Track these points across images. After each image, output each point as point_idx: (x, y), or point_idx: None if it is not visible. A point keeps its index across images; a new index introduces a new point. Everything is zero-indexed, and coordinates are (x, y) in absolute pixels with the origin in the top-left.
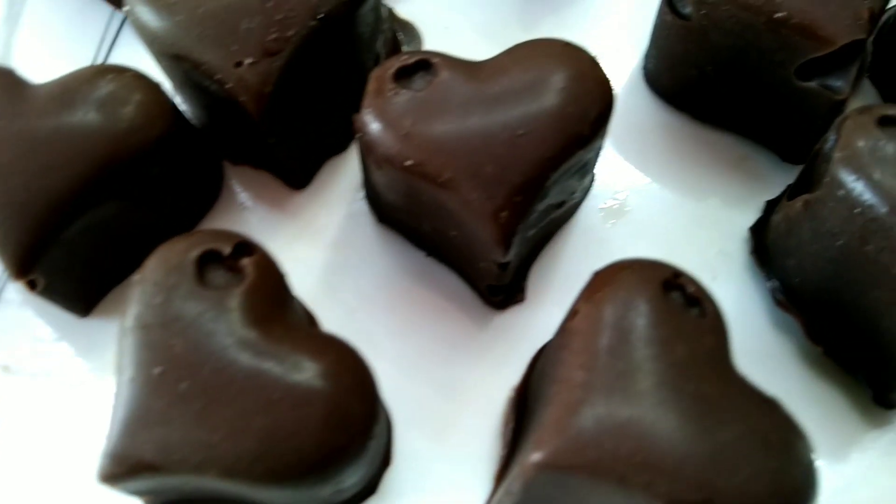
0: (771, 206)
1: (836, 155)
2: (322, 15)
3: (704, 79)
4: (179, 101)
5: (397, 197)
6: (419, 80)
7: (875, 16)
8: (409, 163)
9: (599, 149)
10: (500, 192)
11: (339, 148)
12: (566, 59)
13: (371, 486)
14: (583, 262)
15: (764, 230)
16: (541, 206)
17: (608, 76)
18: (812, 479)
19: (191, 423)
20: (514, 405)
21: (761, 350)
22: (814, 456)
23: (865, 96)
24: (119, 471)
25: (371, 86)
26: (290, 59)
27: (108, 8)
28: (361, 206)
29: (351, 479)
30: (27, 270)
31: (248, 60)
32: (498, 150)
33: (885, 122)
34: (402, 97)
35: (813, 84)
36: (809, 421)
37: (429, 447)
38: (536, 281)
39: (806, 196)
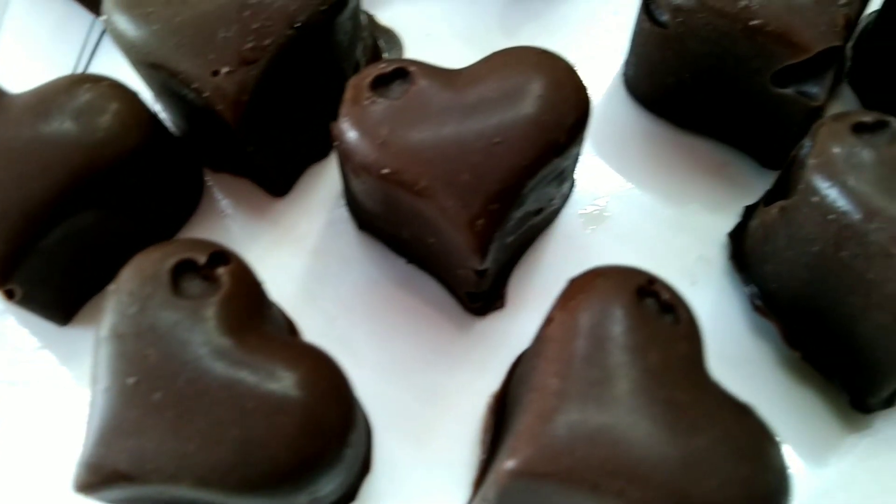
0: (749, 212)
1: (811, 161)
2: (299, 24)
3: (683, 86)
4: (159, 109)
5: (375, 204)
6: (396, 89)
7: (851, 22)
8: (385, 171)
9: (577, 156)
10: (476, 200)
11: (320, 155)
12: (542, 67)
13: (350, 493)
14: (563, 268)
15: (742, 236)
16: (518, 214)
17: (585, 83)
18: (785, 486)
19: (165, 433)
20: (494, 411)
21: (740, 355)
22: (787, 462)
23: (845, 102)
24: (94, 480)
25: (348, 94)
26: (268, 67)
27: (90, 15)
28: (342, 213)
29: (327, 487)
30: (5, 280)
31: (224, 69)
32: (474, 158)
33: (859, 129)
34: (378, 106)
35: (789, 91)
36: (787, 426)
37: (409, 454)
38: (516, 287)
39: (782, 202)
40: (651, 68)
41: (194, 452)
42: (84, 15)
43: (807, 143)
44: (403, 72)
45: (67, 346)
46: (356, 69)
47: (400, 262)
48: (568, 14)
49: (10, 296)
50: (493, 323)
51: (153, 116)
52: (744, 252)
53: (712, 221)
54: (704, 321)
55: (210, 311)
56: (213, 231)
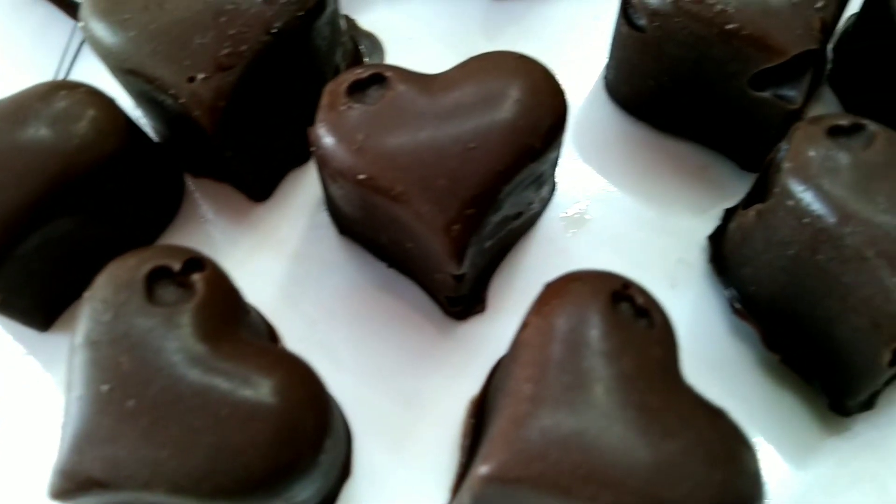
0: (729, 215)
1: (786, 165)
2: (276, 29)
3: (662, 89)
4: (140, 115)
5: (354, 210)
6: (373, 94)
7: (827, 26)
8: (361, 176)
9: (555, 160)
10: (451, 205)
11: (301, 160)
12: (519, 72)
13: (330, 498)
14: (544, 272)
15: (722, 239)
16: (495, 218)
17: (563, 88)
18: (758, 490)
19: (138, 440)
20: (473, 416)
21: (719, 358)
22: (761, 466)
23: (826, 104)
24: (69, 487)
25: (324, 100)
26: (244, 73)
27: (71, 21)
28: (323, 218)
29: (303, 493)
30: None
31: (200, 75)
32: (450, 163)
33: (835, 132)
34: (354, 111)
35: (767, 94)
36: (767, 428)
37: (389, 458)
38: (497, 291)
39: (758, 206)
40: (630, 72)
41: (168, 459)
42: (65, 20)
43: (783, 146)
44: (380, 77)
45: (48, 351)
46: (336, 74)
47: (381, 267)
48: (549, 18)
49: None
50: (474, 327)
51: (130, 123)
52: (723, 255)
53: (693, 224)
54: (684, 324)
55: (184, 317)
56: (194, 236)
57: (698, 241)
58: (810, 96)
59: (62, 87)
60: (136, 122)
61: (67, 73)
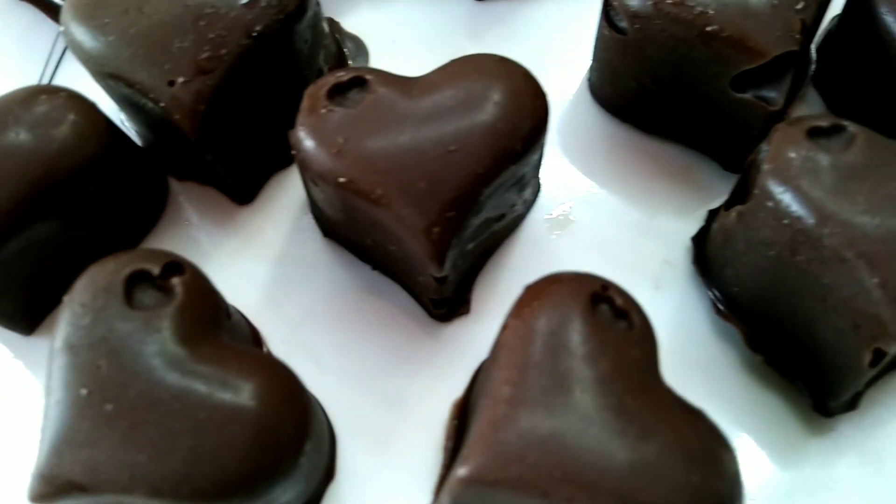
0: (713, 216)
1: (765, 166)
2: (256, 33)
3: (645, 91)
4: (124, 118)
5: (336, 212)
6: (353, 97)
7: (808, 27)
8: (342, 180)
9: (536, 162)
10: (432, 207)
11: (285, 163)
12: (499, 75)
13: (313, 501)
14: (528, 274)
15: (705, 240)
16: (476, 221)
17: (543, 90)
18: (736, 491)
19: (117, 444)
20: (456, 418)
21: (703, 359)
22: (739, 467)
23: (811, 105)
24: (48, 491)
25: (305, 103)
26: (225, 76)
27: (56, 25)
28: (307, 221)
29: (284, 496)
30: None
31: (181, 79)
32: (430, 166)
33: (814, 134)
34: (335, 114)
35: (748, 95)
36: (751, 429)
37: (373, 460)
38: (482, 293)
39: (740, 207)
40: (613, 74)
41: (146, 463)
42: (50, 25)
43: (764, 147)
44: (360, 80)
45: (31, 355)
46: (320, 76)
47: (365, 269)
48: (534, 20)
49: None
50: (458, 329)
51: (112, 126)
52: (706, 256)
53: (677, 225)
54: (668, 325)
55: (163, 321)
56: (178, 239)
57: (683, 243)
58: (794, 97)
59: (42, 92)
60: (117, 126)
61: (52, 77)
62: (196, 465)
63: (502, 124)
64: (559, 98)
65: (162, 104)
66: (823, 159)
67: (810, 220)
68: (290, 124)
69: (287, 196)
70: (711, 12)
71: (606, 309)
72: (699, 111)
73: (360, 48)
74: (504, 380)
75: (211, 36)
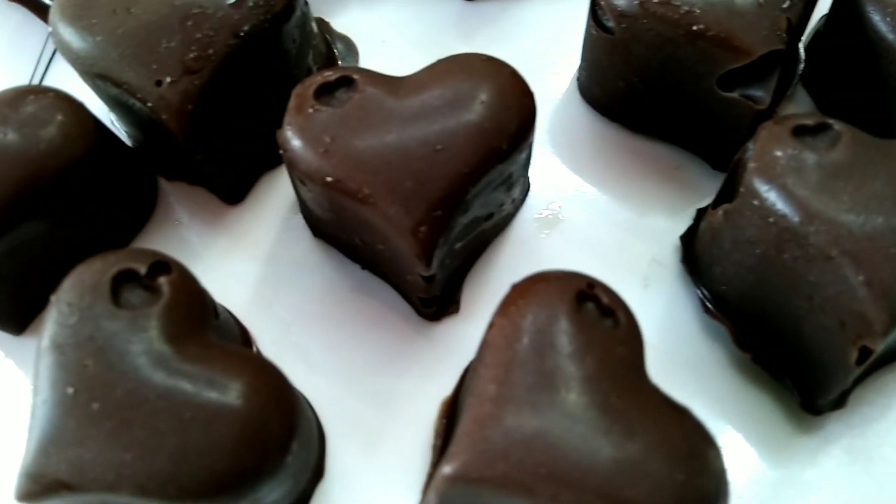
0: (701, 215)
1: (751, 165)
2: (243, 33)
3: (633, 90)
4: (114, 118)
5: (324, 212)
6: (340, 97)
7: (794, 26)
8: (329, 179)
9: (524, 161)
10: (418, 206)
11: (275, 162)
12: (485, 74)
13: (302, 500)
14: (517, 273)
15: (693, 239)
16: (464, 220)
17: (530, 90)
18: (721, 489)
19: (103, 443)
20: (445, 416)
21: (692, 357)
22: (725, 465)
23: (800, 104)
24: (35, 490)
25: (292, 103)
26: (212, 76)
27: (46, 26)
28: (297, 221)
29: (272, 494)
30: None
31: (168, 79)
32: (417, 165)
33: (800, 132)
34: (322, 114)
35: (735, 94)
36: (739, 427)
37: (362, 459)
38: (471, 292)
39: (726, 205)
40: (601, 74)
41: (133, 461)
42: (40, 26)
43: (750, 146)
44: (348, 80)
45: (21, 355)
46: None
47: (355, 269)
48: (523, 20)
49: None
50: (448, 328)
51: (100, 126)
52: (694, 255)
53: (666, 224)
54: (657, 323)
55: (150, 321)
56: (168, 239)
57: (671, 241)
58: (782, 96)
59: (30, 92)
60: (106, 126)
61: (42, 77)
62: (182, 463)
63: (489, 123)
64: (548, 98)
65: (149, 104)
66: (809, 158)
67: (795, 219)
68: (280, 124)
69: (277, 196)
70: (697, 11)
71: (592, 307)
72: (687, 110)
73: (350, 48)
74: (490, 378)
75: (198, 36)
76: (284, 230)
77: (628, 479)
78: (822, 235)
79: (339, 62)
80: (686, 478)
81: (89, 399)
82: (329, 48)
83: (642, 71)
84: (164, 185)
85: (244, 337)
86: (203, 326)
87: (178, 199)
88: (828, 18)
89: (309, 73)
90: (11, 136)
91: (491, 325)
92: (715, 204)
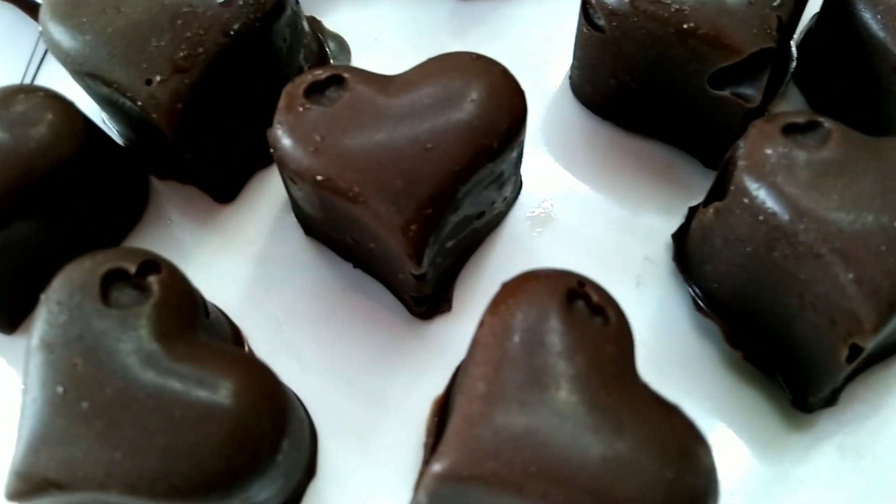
0: (693, 213)
1: (741, 163)
2: (233, 32)
3: (624, 89)
4: (105, 117)
5: (315, 210)
6: (330, 95)
7: (784, 24)
8: (319, 178)
9: (515, 160)
10: (409, 205)
11: (267, 161)
12: (476, 73)
13: (294, 499)
14: (510, 271)
15: (685, 237)
16: (455, 218)
17: (520, 88)
18: (711, 486)
19: (93, 442)
20: (436, 415)
21: (684, 355)
22: (714, 462)
23: (792, 102)
24: (25, 488)
25: (282, 101)
26: (202, 75)
27: (38, 26)
28: (289, 220)
29: (262, 493)
30: None
31: (157, 78)
32: (407, 163)
33: (790, 130)
34: (312, 112)
35: (726, 93)
36: (730, 425)
37: (354, 458)
38: (463, 291)
39: (717, 203)
40: (593, 72)
41: (122, 460)
42: (32, 25)
43: (741, 144)
44: (338, 78)
45: (14, 355)
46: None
47: (347, 268)
48: (516, 19)
49: None
50: (440, 327)
51: (90, 126)
52: (686, 253)
53: (658, 223)
54: (649, 321)
55: (140, 320)
56: (160, 238)
57: (663, 240)
58: (774, 94)
59: (20, 91)
60: (97, 125)
61: (34, 77)
62: (172, 462)
63: (479, 122)
64: (541, 97)
65: (139, 103)
66: (799, 156)
67: (785, 217)
68: (271, 122)
69: (268, 194)
70: (688, 10)
71: (583, 305)
72: (679, 109)
73: (342, 47)
74: (480, 376)
75: (188, 35)
76: (276, 229)
77: (618, 476)
78: (812, 233)
79: (332, 61)
80: (675, 475)
81: (79, 398)
82: (321, 47)
83: (634, 69)
84: (156, 184)
85: (236, 336)
86: (193, 325)
87: (169, 199)
88: (819, 17)
89: (300, 71)
90: (1, 136)
91: (481, 324)
92: (706, 202)
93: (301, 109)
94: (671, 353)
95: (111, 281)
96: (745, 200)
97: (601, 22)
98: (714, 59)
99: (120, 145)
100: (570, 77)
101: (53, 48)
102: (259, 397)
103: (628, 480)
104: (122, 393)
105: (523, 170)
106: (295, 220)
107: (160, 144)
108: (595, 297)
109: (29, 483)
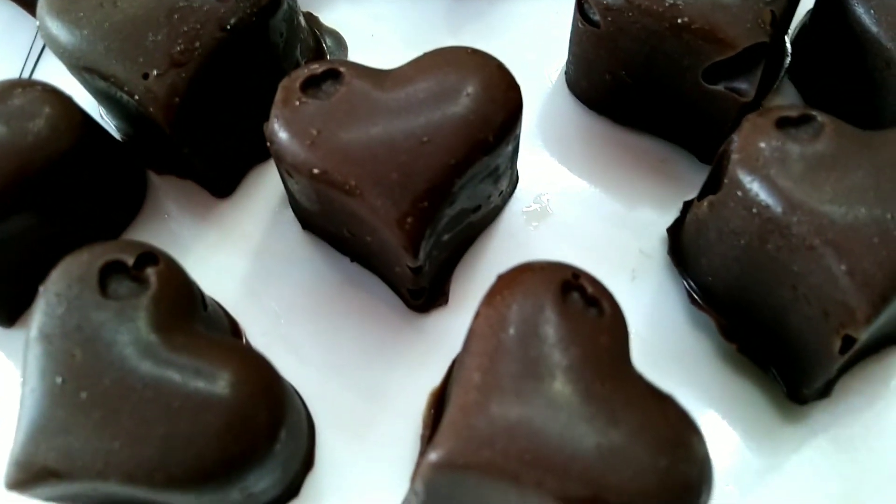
0: (687, 207)
1: (734, 156)
2: (229, 26)
3: (619, 84)
4: (103, 112)
5: (312, 204)
6: (327, 90)
7: (778, 19)
8: (316, 171)
9: (510, 154)
10: (405, 198)
11: (264, 156)
12: (471, 67)
13: (292, 489)
14: (506, 265)
15: (680, 230)
16: (451, 212)
17: (516, 82)
18: (704, 475)
19: (92, 432)
20: (433, 407)
21: (679, 348)
22: (708, 452)
23: (786, 97)
24: (24, 478)
25: (279, 95)
26: (199, 69)
27: (36, 21)
28: (286, 214)
29: (260, 483)
30: None
31: (154, 72)
32: (402, 157)
33: (783, 124)
34: (309, 106)
35: (719, 87)
36: (725, 417)
37: (351, 450)
38: (460, 284)
39: (711, 197)
40: (588, 67)
41: (121, 450)
42: (30, 20)
43: (734, 137)
44: (334, 72)
45: (13, 348)
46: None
47: (344, 261)
48: (511, 15)
49: None
50: (437, 320)
51: (88, 120)
52: (681, 246)
53: (653, 217)
54: (644, 315)
55: (137, 311)
56: (157, 233)
57: (659, 234)
58: (769, 89)
59: (18, 85)
60: (94, 119)
61: (32, 71)
62: (170, 452)
63: (475, 116)
64: (537, 92)
65: (136, 97)
66: (792, 149)
67: (778, 209)
68: (268, 117)
69: (266, 189)
70: (682, 4)
71: (577, 297)
72: (674, 103)
73: (339, 42)
74: (475, 367)
75: (184, 29)
76: (273, 223)
77: (612, 465)
78: (805, 225)
79: (328, 56)
80: (669, 464)
81: (77, 388)
82: (318, 42)
83: (629, 64)
84: (154, 178)
85: (234, 329)
86: (191, 317)
87: (167, 193)
88: (813, 12)
89: (297, 66)
90: (0, 129)
91: (477, 315)
92: (700, 196)
93: (297, 103)
94: (666, 345)
95: (109, 273)
96: (739, 193)
97: (596, 17)
98: (708, 53)
99: (117, 140)
100: (566, 72)
101: (51, 43)
102: (257, 388)
103: (622, 469)
104: (121, 383)
105: (519, 165)
106: (292, 214)
107: (157, 139)
108: (590, 289)
109: (28, 472)
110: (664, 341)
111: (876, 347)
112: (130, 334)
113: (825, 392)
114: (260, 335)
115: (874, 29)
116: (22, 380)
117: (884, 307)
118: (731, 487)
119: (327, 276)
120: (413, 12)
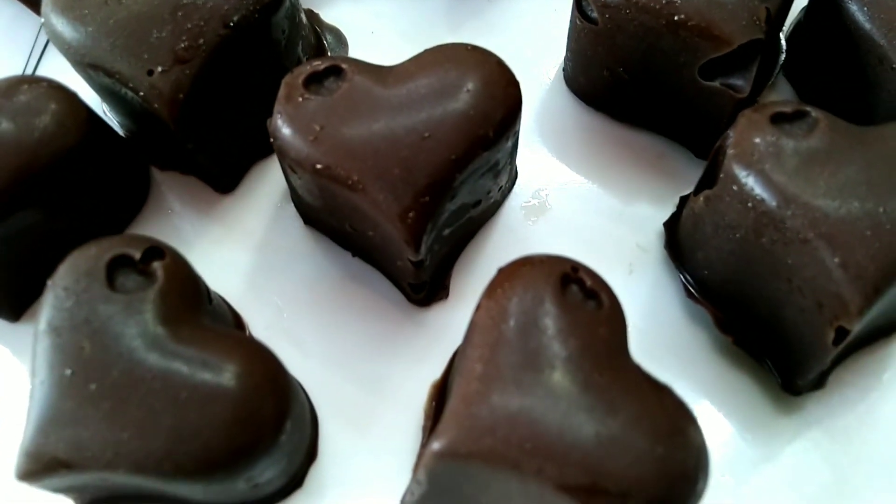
0: (684, 202)
1: (730, 151)
2: (233, 23)
3: (617, 80)
4: (106, 108)
5: (315, 199)
6: (329, 86)
7: (773, 16)
8: (319, 166)
9: (510, 149)
10: (406, 193)
11: (266, 151)
12: (472, 63)
13: (296, 480)
14: (505, 259)
15: (677, 225)
16: (452, 206)
17: (515, 78)
18: (700, 464)
19: (100, 423)
20: (434, 399)
21: (675, 341)
22: (704, 441)
23: (781, 94)
24: (35, 468)
25: (282, 91)
26: (203, 66)
27: (39, 18)
28: (288, 209)
29: (265, 474)
30: None
31: (159, 69)
32: (404, 152)
33: (778, 119)
34: (311, 102)
35: (715, 83)
36: (721, 408)
37: (354, 441)
38: (460, 278)
39: (707, 192)
40: (586, 64)
41: (129, 440)
42: (33, 18)
43: (730, 133)
44: (336, 69)
45: (18, 341)
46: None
47: (346, 256)
48: (511, 12)
49: None
50: (437, 313)
51: (93, 116)
52: (677, 241)
53: (650, 211)
54: (641, 308)
55: (145, 304)
56: (161, 228)
57: (655, 228)
58: (764, 86)
59: (24, 82)
60: (99, 115)
61: (35, 68)
62: (178, 442)
63: (475, 112)
64: (535, 88)
65: (141, 93)
66: (787, 144)
67: (773, 203)
68: (271, 113)
69: (268, 184)
70: (678, 1)
71: (576, 290)
72: (670, 100)
73: (340, 39)
74: (477, 358)
75: (188, 26)
76: (276, 218)
77: (610, 453)
78: (799, 219)
79: (329, 53)
80: (666, 452)
81: (86, 380)
82: (319, 39)
83: (626, 61)
84: (157, 174)
85: (238, 323)
86: (197, 310)
87: (170, 189)
88: (807, 9)
89: (299, 63)
90: (5, 125)
91: (478, 307)
92: (697, 190)
93: (300, 99)
94: (663, 338)
95: (116, 267)
96: (735, 188)
97: (594, 14)
98: (704, 49)
99: (121, 136)
100: (564, 69)
101: (55, 39)
102: (262, 379)
103: (620, 457)
104: (129, 375)
105: (518, 161)
106: (294, 209)
107: (161, 135)
108: (588, 282)
109: (39, 463)
110: (661, 334)
111: (869, 339)
112: (138, 327)
113: (819, 383)
114: (263, 329)
115: (867, 26)
116: (31, 372)
117: (876, 299)
118: (726, 477)
119: (329, 270)
120: (413, 9)
